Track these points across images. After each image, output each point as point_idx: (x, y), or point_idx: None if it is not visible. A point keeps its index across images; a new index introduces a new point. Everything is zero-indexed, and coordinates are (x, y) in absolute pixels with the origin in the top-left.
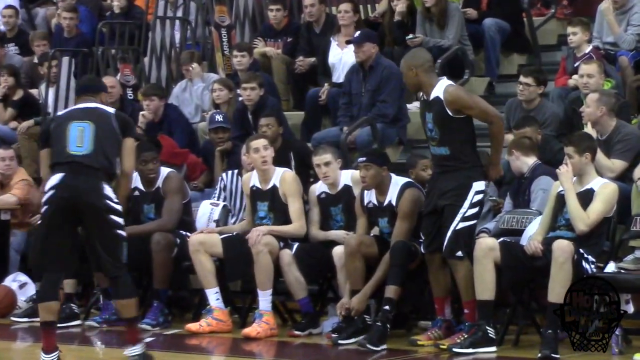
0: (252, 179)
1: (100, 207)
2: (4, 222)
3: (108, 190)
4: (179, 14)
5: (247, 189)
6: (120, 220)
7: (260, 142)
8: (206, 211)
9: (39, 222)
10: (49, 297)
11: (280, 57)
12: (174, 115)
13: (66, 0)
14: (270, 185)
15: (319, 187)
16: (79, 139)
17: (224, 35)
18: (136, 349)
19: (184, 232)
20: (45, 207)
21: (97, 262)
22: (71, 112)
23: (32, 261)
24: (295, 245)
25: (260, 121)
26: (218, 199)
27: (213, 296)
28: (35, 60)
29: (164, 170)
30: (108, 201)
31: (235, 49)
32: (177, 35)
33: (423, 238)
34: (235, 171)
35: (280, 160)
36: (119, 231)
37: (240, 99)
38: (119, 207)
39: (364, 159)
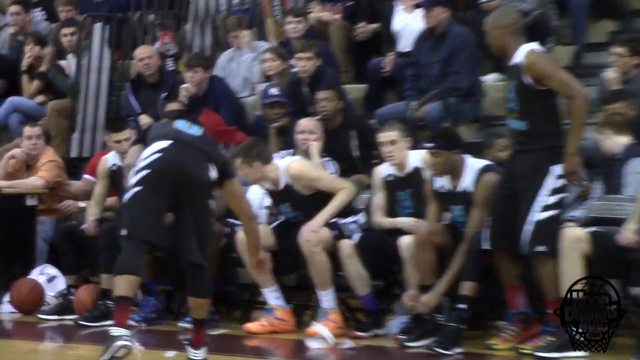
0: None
1: (206, 184)
2: (30, 208)
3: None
4: None
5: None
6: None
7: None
8: (256, 197)
9: (134, 186)
10: (135, 268)
11: (339, 22)
12: (219, 89)
13: None
14: (282, 186)
15: (384, 169)
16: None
17: None
18: (199, 354)
19: (233, 221)
20: (145, 171)
21: (183, 248)
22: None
23: (126, 224)
24: (357, 235)
25: (317, 95)
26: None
27: (272, 295)
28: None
29: None
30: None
31: (288, 14)
32: None
33: (490, 226)
34: (291, 152)
35: (339, 140)
36: (211, 219)
37: (294, 70)
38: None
39: (432, 144)
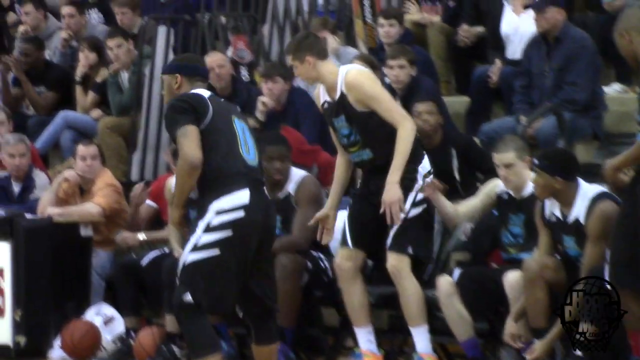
0: None
1: (274, 228)
2: (85, 240)
3: None
4: None
5: None
6: None
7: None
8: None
9: (210, 246)
10: (217, 344)
11: (439, 25)
12: (301, 102)
13: None
14: (338, 95)
15: (500, 184)
16: (245, 142)
17: None
18: None
19: (317, 253)
20: (226, 233)
21: (261, 294)
22: (221, 103)
23: (205, 299)
24: (457, 271)
25: (415, 107)
26: None
27: (364, 337)
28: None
29: (297, 173)
30: None
31: (380, 15)
32: None
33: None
34: None
35: (438, 159)
36: None
37: (387, 80)
38: None
39: (536, 162)
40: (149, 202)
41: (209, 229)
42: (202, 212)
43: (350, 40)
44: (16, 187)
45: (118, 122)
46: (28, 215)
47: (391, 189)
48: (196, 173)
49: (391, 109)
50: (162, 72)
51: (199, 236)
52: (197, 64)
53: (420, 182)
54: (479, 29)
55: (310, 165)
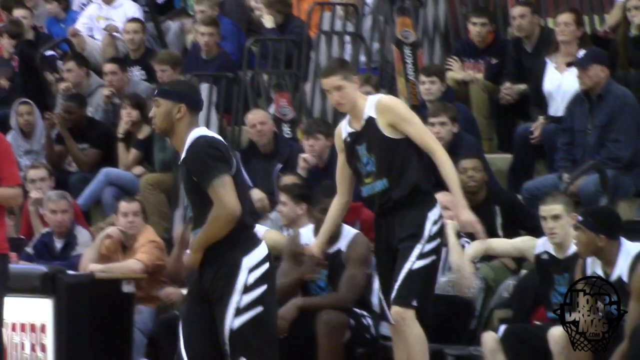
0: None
1: None
2: (127, 296)
3: None
4: (350, 28)
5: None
6: None
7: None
8: None
9: (255, 304)
10: None
11: (481, 83)
12: None
13: (205, 12)
14: (363, 122)
15: (541, 244)
16: None
17: (408, 55)
18: None
19: (360, 311)
20: (266, 286)
21: None
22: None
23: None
24: (502, 327)
25: (460, 164)
26: None
27: None
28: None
29: (349, 230)
30: None
31: (422, 72)
32: (347, 55)
33: None
34: None
35: (481, 217)
36: None
37: None
38: None
39: (580, 219)
40: None
41: (247, 289)
42: (231, 269)
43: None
44: (58, 244)
45: (160, 179)
46: (70, 272)
47: (465, 213)
48: (232, 225)
49: (425, 132)
50: (162, 95)
51: (239, 299)
52: (199, 96)
53: (427, 231)
54: (522, 87)
55: (353, 222)
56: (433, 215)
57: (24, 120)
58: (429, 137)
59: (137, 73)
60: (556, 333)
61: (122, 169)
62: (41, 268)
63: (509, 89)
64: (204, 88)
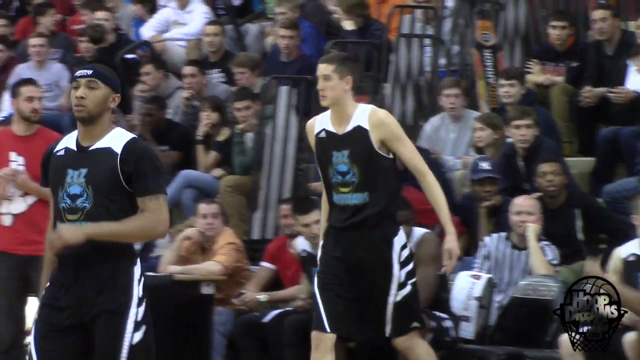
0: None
1: None
2: (206, 298)
3: None
4: (429, 31)
5: None
6: None
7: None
8: (465, 285)
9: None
10: None
11: (562, 86)
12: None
13: (285, 14)
14: (349, 128)
15: (627, 248)
16: None
17: (488, 58)
18: None
19: (438, 313)
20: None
21: None
22: None
23: None
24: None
25: (540, 167)
26: (480, 270)
27: None
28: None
29: (418, 231)
30: None
31: (502, 76)
32: (428, 58)
33: None
34: (503, 234)
35: (561, 220)
36: None
37: (509, 140)
38: None
39: None
40: (265, 263)
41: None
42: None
43: (472, 100)
44: (137, 245)
45: (239, 181)
46: (149, 273)
47: (450, 241)
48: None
49: (416, 154)
50: (103, 79)
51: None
52: None
53: (396, 259)
54: (603, 90)
55: (432, 225)
56: (399, 240)
57: None
58: (420, 159)
59: (216, 75)
60: (631, 338)
61: (201, 171)
62: None
63: (590, 92)
64: (284, 90)
